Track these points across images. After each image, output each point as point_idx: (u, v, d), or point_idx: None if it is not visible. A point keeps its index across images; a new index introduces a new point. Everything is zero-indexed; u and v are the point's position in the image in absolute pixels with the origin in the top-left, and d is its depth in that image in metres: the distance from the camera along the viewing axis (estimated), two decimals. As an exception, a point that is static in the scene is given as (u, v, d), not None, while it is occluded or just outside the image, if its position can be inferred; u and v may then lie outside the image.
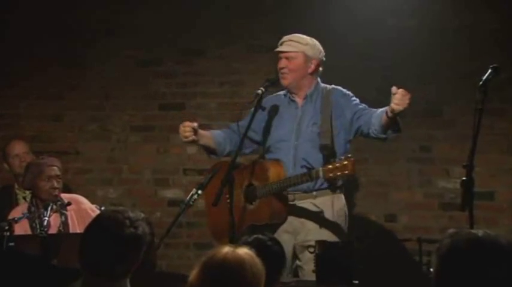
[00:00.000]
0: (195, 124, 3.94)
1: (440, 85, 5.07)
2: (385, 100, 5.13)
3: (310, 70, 3.92)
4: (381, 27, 5.09)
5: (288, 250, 3.84)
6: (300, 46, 3.90)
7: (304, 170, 3.69)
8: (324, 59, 3.96)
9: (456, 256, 1.94)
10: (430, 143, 5.12)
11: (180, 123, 5.42)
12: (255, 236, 2.95)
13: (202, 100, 5.48)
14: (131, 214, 2.37)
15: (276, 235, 3.78)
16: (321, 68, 3.97)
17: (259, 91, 3.84)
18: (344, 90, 3.98)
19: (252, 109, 3.87)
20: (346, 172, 3.52)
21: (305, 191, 3.85)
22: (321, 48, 3.95)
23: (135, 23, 5.51)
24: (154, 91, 5.54)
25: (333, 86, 3.99)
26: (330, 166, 3.56)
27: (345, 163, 3.52)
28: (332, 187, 3.87)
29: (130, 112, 5.56)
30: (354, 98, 3.94)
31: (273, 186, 3.79)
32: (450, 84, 5.05)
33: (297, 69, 3.90)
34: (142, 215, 2.41)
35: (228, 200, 3.89)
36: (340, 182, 3.89)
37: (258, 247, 2.29)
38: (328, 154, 3.77)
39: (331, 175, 3.56)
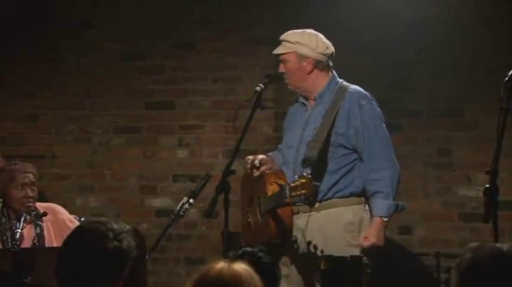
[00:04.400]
0: (257, 162, 3.88)
1: (460, 82, 5.08)
2: (398, 99, 5.17)
3: (307, 70, 3.90)
4: (394, 19, 5.09)
5: (300, 271, 3.86)
6: (290, 46, 3.90)
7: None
8: (329, 52, 3.94)
9: (478, 273, 1.94)
10: (450, 146, 5.12)
11: (169, 123, 5.49)
12: (243, 249, 2.95)
13: (193, 98, 5.48)
14: (115, 226, 2.36)
15: (287, 252, 3.78)
16: (330, 62, 3.96)
17: (258, 88, 3.84)
18: (367, 100, 3.88)
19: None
20: (304, 191, 3.51)
21: (308, 203, 3.85)
22: (320, 42, 3.90)
23: (119, 12, 5.51)
24: (141, 88, 5.54)
25: (354, 86, 3.94)
26: (293, 184, 3.56)
27: (303, 181, 3.50)
28: (340, 197, 3.86)
29: (113, 112, 5.56)
30: (376, 122, 3.87)
31: (267, 202, 3.81)
32: (472, 81, 5.05)
33: (292, 72, 3.90)
34: (128, 227, 2.40)
35: (249, 213, 3.93)
36: (352, 190, 3.87)
37: (248, 260, 2.28)
38: (313, 167, 3.72)
39: (293, 193, 3.56)
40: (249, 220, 3.98)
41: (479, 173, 4.81)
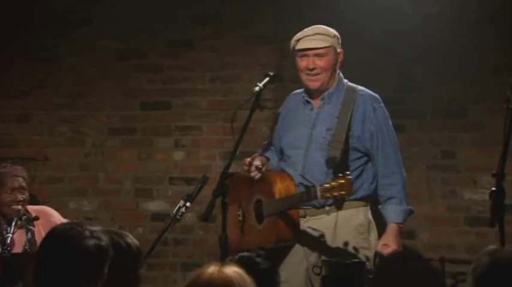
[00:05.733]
0: (259, 163, 3.90)
1: (465, 82, 5.07)
2: (401, 99, 5.16)
3: (338, 65, 3.94)
4: (397, 16, 5.08)
5: (300, 276, 3.85)
6: (330, 40, 3.88)
7: (313, 183, 3.70)
8: None
9: (496, 277, 1.93)
10: (454, 148, 5.12)
11: (166, 124, 5.48)
12: (241, 253, 2.95)
13: (191, 98, 5.47)
14: (89, 226, 2.39)
15: (287, 257, 3.79)
16: None
17: (257, 88, 3.83)
18: (380, 103, 3.92)
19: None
20: (343, 192, 3.53)
21: (316, 207, 3.84)
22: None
23: (114, 10, 5.50)
24: (136, 88, 5.53)
25: (362, 88, 3.96)
26: (327, 185, 3.56)
27: (342, 181, 3.51)
28: (352, 199, 3.85)
29: (107, 112, 5.55)
30: (387, 126, 3.92)
31: (276, 204, 3.79)
32: (477, 81, 5.04)
33: (330, 67, 3.88)
34: (100, 227, 2.43)
35: (240, 217, 3.92)
36: (363, 194, 3.88)
37: (245, 266, 2.28)
38: (336, 168, 3.74)
39: (328, 195, 3.57)
40: (240, 224, 3.96)
41: (485, 175, 4.80)
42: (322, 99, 3.93)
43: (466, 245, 5.00)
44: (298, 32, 4.01)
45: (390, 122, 3.96)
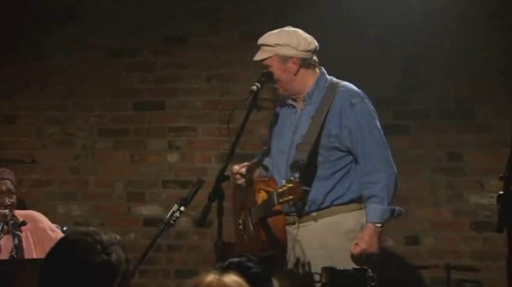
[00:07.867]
0: (243, 170, 3.93)
1: (472, 80, 5.08)
2: (405, 99, 5.17)
3: (292, 71, 3.90)
4: (402, 11, 5.09)
5: (295, 285, 3.86)
6: (270, 49, 3.88)
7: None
8: (312, 47, 3.93)
9: None
10: (460, 150, 5.12)
11: (159, 125, 5.48)
12: (231, 259, 2.94)
13: (185, 98, 5.48)
14: (104, 237, 2.33)
15: (281, 266, 3.83)
16: (315, 58, 3.94)
17: (255, 87, 3.83)
18: (359, 98, 3.87)
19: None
20: (291, 197, 3.52)
21: (303, 213, 3.84)
22: (301, 39, 3.87)
23: (104, 5, 5.51)
24: (128, 87, 5.53)
25: (344, 83, 3.95)
26: (280, 190, 3.57)
27: (290, 185, 3.51)
28: (340, 204, 3.85)
29: (98, 112, 5.55)
30: (368, 122, 3.85)
31: (256, 212, 3.82)
32: (484, 80, 5.05)
33: (278, 76, 3.88)
34: (118, 237, 2.39)
35: (240, 226, 3.94)
36: (352, 197, 3.88)
37: (236, 271, 2.27)
38: (303, 171, 3.70)
39: (281, 200, 3.57)
40: (241, 232, 3.98)
41: (492, 179, 4.81)
42: (304, 100, 3.94)
43: (473, 251, 5.00)
44: (298, 28, 4.01)
45: (374, 117, 3.89)
